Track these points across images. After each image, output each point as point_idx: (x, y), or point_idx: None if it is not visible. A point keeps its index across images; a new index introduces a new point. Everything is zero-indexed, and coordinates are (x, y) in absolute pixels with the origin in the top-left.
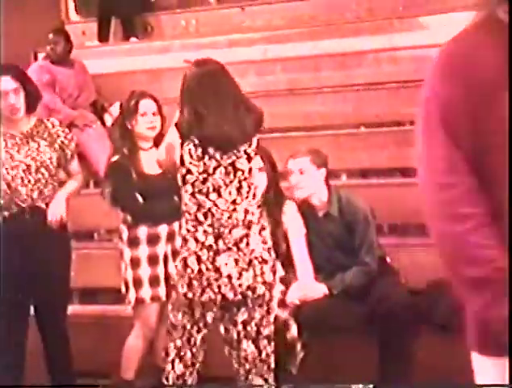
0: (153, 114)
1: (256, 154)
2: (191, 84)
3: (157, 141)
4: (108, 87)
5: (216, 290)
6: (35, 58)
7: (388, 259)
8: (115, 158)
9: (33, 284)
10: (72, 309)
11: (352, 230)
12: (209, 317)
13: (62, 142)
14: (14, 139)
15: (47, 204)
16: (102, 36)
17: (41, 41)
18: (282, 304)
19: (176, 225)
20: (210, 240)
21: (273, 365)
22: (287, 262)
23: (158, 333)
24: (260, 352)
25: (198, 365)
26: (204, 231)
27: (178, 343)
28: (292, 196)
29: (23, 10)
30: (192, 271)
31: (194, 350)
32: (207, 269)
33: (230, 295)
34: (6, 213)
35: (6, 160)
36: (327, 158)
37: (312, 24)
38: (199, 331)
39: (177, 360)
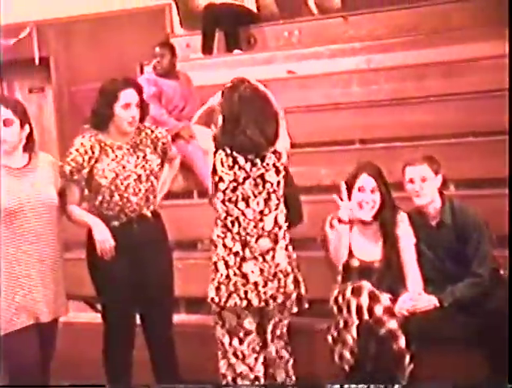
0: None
1: (285, 168)
2: (228, 98)
3: None
4: None
5: (243, 296)
6: (141, 71)
7: (502, 272)
8: None
9: (140, 293)
10: (177, 318)
11: (465, 240)
12: (247, 324)
13: (163, 143)
14: (122, 149)
15: (152, 213)
16: (206, 49)
17: (147, 54)
18: (389, 312)
19: None
20: (237, 247)
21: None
22: (397, 272)
23: None
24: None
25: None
26: (232, 238)
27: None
28: (414, 204)
29: (130, 23)
30: (221, 275)
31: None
32: (235, 274)
33: (255, 302)
34: (115, 223)
35: (119, 171)
36: (440, 165)
37: (416, 33)
38: (242, 340)
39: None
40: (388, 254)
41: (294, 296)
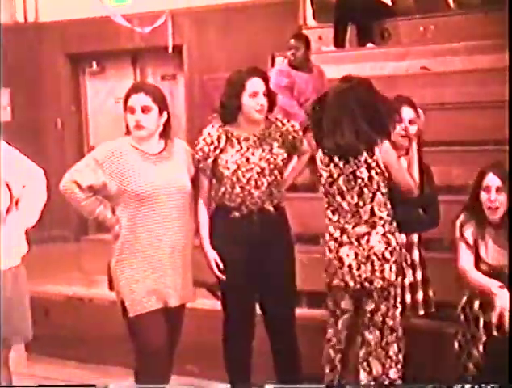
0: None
1: (377, 165)
2: (330, 98)
3: None
4: None
5: (340, 277)
6: (273, 62)
7: None
8: None
9: (259, 284)
10: (300, 312)
11: None
12: (343, 304)
13: (294, 137)
14: (248, 141)
15: (275, 207)
16: (339, 42)
17: (278, 45)
18: None
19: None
20: (337, 233)
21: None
22: None
23: None
24: (381, 340)
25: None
26: (334, 226)
27: (329, 329)
28: None
29: (262, 14)
30: (327, 259)
31: (338, 335)
32: (334, 258)
33: (351, 283)
34: (236, 214)
35: (242, 163)
36: None
37: None
38: (337, 318)
39: (326, 346)
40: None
41: (396, 286)
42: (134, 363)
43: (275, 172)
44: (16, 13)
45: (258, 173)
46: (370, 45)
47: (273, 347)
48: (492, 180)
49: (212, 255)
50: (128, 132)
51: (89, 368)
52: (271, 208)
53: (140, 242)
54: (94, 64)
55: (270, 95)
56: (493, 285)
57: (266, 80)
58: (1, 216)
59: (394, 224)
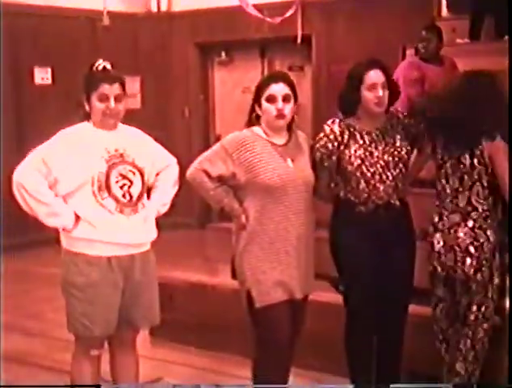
0: None
1: (481, 155)
2: (450, 89)
3: None
4: None
5: (431, 263)
6: (403, 53)
7: None
8: None
9: (380, 280)
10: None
11: None
12: (438, 291)
13: (416, 130)
14: (371, 135)
15: (400, 201)
16: (474, 34)
17: (410, 37)
18: None
19: None
20: (436, 218)
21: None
22: None
23: None
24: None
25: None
26: (435, 211)
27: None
28: None
29: (393, 4)
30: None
31: (439, 324)
32: (429, 243)
33: (439, 269)
34: (362, 208)
35: (366, 157)
36: None
37: None
38: (436, 305)
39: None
40: None
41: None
42: (253, 353)
43: (400, 165)
44: (150, 2)
45: (382, 167)
46: (506, 38)
47: (380, 344)
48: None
49: None
50: (251, 122)
51: (208, 355)
52: (397, 203)
53: (267, 234)
54: (223, 54)
55: (392, 88)
56: None
57: (386, 72)
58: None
59: (490, 221)
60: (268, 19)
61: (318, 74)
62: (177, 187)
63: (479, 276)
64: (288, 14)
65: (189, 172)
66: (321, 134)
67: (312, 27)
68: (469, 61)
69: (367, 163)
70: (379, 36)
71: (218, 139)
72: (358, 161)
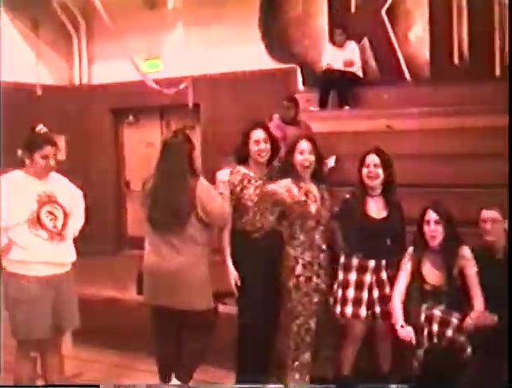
0: (374, 165)
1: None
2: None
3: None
4: (324, 143)
5: None
6: (270, 118)
7: None
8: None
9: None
10: None
11: None
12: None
13: None
14: (262, 179)
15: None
16: (323, 104)
17: (275, 105)
18: (458, 330)
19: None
20: None
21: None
22: (462, 295)
23: None
24: None
25: None
26: None
27: None
28: (484, 238)
29: (263, 80)
30: None
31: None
32: None
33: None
34: (257, 235)
35: (261, 196)
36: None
37: (490, 102)
38: None
39: None
40: (453, 278)
41: None
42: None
43: None
44: (73, 76)
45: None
46: (346, 107)
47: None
48: (430, 215)
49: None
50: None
51: (117, 353)
52: (282, 229)
53: None
54: (131, 116)
55: (273, 144)
56: (397, 322)
57: (268, 131)
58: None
59: None
60: (165, 90)
61: (206, 133)
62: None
63: None
64: (181, 86)
65: None
66: (223, 179)
67: (200, 96)
68: (319, 125)
69: (261, 201)
70: (253, 104)
71: (127, 184)
72: (256, 198)
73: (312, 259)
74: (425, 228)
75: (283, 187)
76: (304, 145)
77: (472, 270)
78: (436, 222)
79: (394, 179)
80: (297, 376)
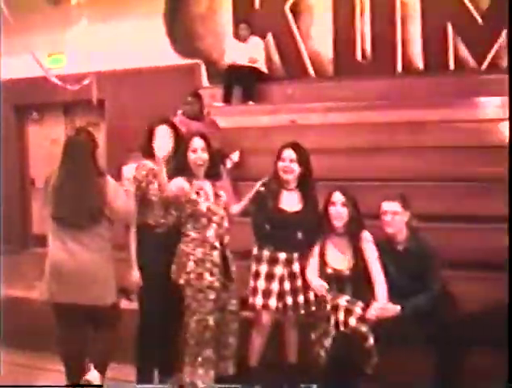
0: (291, 161)
1: None
2: None
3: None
4: (229, 138)
5: None
6: (175, 113)
7: (447, 288)
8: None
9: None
10: None
11: (424, 263)
12: None
13: None
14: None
15: None
16: (227, 99)
17: (180, 100)
18: (361, 319)
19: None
20: None
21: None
22: (365, 280)
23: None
24: None
25: None
26: None
27: None
28: (385, 230)
29: (167, 76)
30: None
31: None
32: None
33: None
34: (159, 230)
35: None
36: (410, 203)
37: (391, 97)
38: None
39: None
40: (356, 263)
41: None
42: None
43: None
44: None
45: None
46: (250, 103)
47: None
48: (336, 196)
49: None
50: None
51: (23, 354)
52: None
53: None
54: (35, 113)
55: (177, 139)
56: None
57: (173, 127)
58: None
59: None
60: (69, 87)
61: (111, 129)
62: None
63: None
64: (85, 82)
65: None
66: (129, 175)
67: (105, 92)
68: (224, 120)
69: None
70: (157, 100)
71: (32, 182)
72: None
73: (203, 256)
74: (331, 209)
75: (175, 185)
76: (197, 142)
77: (372, 253)
78: (343, 204)
79: (311, 174)
80: (201, 371)
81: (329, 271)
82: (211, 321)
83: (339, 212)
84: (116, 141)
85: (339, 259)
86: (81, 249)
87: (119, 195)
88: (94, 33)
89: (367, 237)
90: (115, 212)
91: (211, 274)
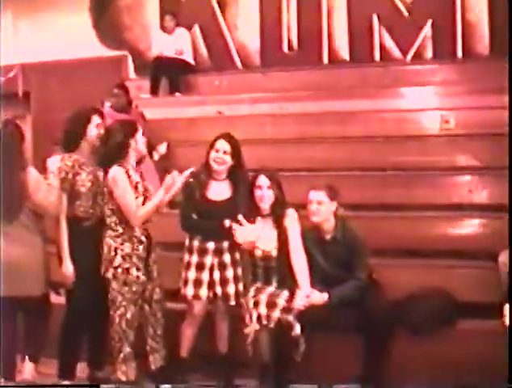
0: (224, 152)
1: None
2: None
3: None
4: (157, 130)
5: None
6: (102, 105)
7: (374, 276)
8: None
9: None
10: None
11: (351, 252)
12: None
13: None
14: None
15: None
16: (154, 91)
17: (106, 92)
18: (286, 310)
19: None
20: None
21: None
22: (288, 269)
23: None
24: None
25: None
26: None
27: None
28: (311, 220)
29: (94, 68)
30: None
31: None
32: None
33: None
34: (87, 223)
35: (94, 181)
36: (338, 192)
37: (317, 88)
38: None
39: None
40: (280, 242)
41: None
42: None
43: None
44: None
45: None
46: (177, 94)
47: None
48: (262, 180)
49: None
50: None
51: None
52: None
53: None
54: None
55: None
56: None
57: (102, 116)
58: None
59: None
60: None
61: (37, 121)
62: None
63: None
64: (11, 74)
65: None
66: (54, 167)
67: (30, 84)
68: (151, 111)
69: (95, 186)
70: (83, 92)
71: None
72: (89, 184)
73: (131, 250)
74: (257, 192)
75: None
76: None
77: (295, 231)
78: (268, 187)
79: (242, 166)
80: (124, 368)
81: (259, 253)
82: (129, 315)
83: (265, 195)
84: (42, 133)
85: (266, 240)
86: (7, 241)
87: (41, 188)
88: (20, 25)
89: (291, 214)
90: (36, 205)
91: (138, 269)
